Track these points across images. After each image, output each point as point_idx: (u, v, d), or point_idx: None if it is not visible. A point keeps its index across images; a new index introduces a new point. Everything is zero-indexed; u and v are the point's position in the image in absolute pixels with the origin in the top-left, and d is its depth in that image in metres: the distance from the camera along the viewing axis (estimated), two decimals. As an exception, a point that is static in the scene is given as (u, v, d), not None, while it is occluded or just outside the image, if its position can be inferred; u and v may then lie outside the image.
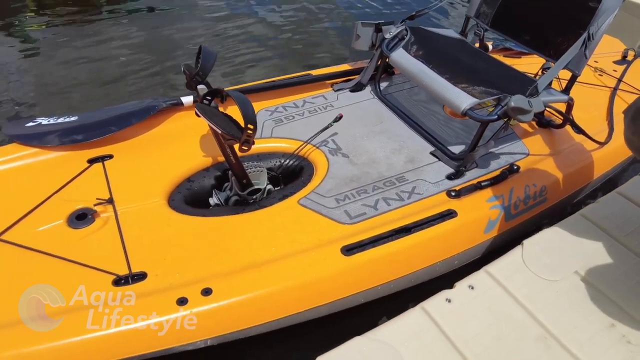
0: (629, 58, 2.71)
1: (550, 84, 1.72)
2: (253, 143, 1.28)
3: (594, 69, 2.62)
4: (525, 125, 1.99)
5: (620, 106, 2.25)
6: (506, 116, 1.57)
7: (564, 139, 1.96)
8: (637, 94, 2.38)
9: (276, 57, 3.37)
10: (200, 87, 1.35)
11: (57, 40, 3.26)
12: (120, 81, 2.91)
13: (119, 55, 3.16)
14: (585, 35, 1.62)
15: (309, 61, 3.29)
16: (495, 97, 1.61)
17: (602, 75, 2.56)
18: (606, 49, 2.70)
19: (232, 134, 1.24)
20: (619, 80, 2.47)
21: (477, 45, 2.30)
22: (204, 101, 1.31)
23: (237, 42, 3.51)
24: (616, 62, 2.67)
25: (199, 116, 1.33)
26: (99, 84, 2.86)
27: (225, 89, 1.69)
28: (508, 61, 2.26)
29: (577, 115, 1.95)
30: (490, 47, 2.49)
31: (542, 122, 2.00)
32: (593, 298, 1.31)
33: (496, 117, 1.56)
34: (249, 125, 1.21)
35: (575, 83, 2.00)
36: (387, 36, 1.99)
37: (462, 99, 1.62)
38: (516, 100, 1.46)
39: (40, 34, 3.38)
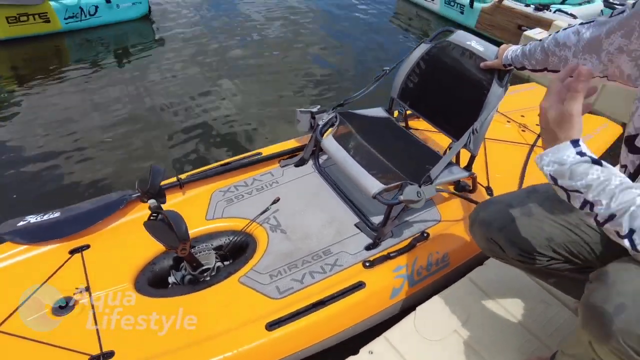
0: None
1: (451, 162, 2.05)
2: (188, 252, 1.63)
3: (518, 124, 2.92)
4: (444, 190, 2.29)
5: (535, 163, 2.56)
6: (406, 201, 1.90)
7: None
8: None
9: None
10: (151, 201, 1.70)
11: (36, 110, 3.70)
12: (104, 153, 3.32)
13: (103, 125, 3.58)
14: (470, 130, 1.95)
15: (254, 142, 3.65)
16: (399, 183, 1.92)
17: (524, 132, 2.85)
18: (534, 102, 2.99)
19: (171, 246, 1.61)
20: (538, 136, 2.76)
21: (402, 124, 2.61)
22: (151, 218, 1.67)
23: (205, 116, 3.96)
24: None
25: None
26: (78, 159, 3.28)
27: (180, 176, 2.06)
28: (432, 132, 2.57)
29: (492, 175, 2.24)
30: None
31: (458, 187, 2.31)
32: (468, 357, 1.62)
33: (397, 202, 1.87)
34: (181, 243, 1.57)
35: (497, 140, 2.29)
36: (320, 123, 2.32)
37: (372, 185, 1.91)
38: (406, 194, 1.78)
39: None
